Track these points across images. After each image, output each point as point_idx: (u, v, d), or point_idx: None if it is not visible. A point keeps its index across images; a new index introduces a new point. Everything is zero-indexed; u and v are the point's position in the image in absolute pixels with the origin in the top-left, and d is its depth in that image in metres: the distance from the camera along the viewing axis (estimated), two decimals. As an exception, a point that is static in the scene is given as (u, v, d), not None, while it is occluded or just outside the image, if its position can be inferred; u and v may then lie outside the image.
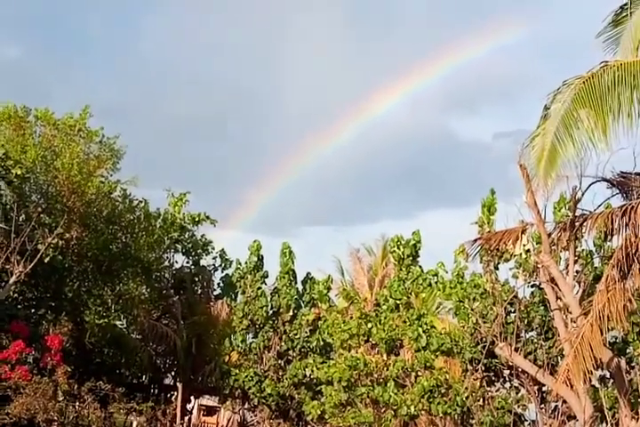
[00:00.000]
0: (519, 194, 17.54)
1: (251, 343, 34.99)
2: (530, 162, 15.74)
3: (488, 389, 28.30)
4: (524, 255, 25.57)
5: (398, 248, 31.41)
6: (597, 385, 24.69)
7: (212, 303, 34.64)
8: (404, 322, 28.86)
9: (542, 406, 27.21)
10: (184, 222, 33.76)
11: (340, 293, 35.57)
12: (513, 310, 26.57)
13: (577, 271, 22.77)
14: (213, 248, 34.76)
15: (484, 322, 27.14)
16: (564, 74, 14.83)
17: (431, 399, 27.16)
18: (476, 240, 19.70)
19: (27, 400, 23.93)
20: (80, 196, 25.71)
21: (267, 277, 35.22)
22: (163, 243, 32.32)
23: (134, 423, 32.68)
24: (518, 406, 27.92)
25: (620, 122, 13.92)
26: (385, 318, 29.34)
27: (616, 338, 25.91)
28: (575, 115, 14.29)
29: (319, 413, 29.01)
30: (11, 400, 24.01)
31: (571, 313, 18.15)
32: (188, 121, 61.40)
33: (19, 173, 24.57)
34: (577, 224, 17.56)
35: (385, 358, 28.93)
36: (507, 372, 27.59)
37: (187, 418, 34.87)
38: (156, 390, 34.89)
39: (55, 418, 25.81)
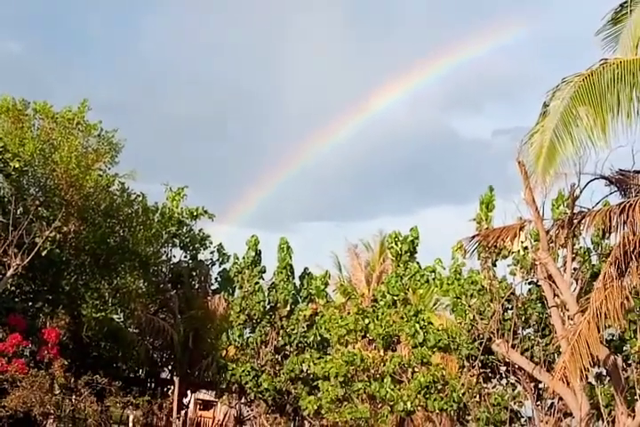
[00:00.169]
0: (518, 191, 17.58)
1: (248, 338, 34.98)
2: (528, 159, 15.77)
3: (484, 385, 28.32)
4: (521, 252, 25.60)
5: (396, 244, 31.39)
6: (594, 382, 24.70)
7: (209, 298, 34.63)
8: (402, 318, 28.91)
9: (538, 402, 27.25)
10: (182, 217, 33.72)
11: (337, 288, 35.65)
12: (510, 306, 26.59)
13: (574, 269, 22.78)
14: (211, 243, 34.76)
15: (482, 319, 27.15)
16: (564, 72, 14.85)
17: (427, 395, 27.22)
18: (473, 237, 19.70)
19: (23, 393, 23.91)
20: (78, 189, 25.67)
21: (264, 272, 35.21)
22: (160, 237, 32.29)
23: (131, 417, 32.72)
24: (514, 403, 27.96)
25: (618, 120, 13.93)
26: (382, 313, 29.38)
27: (613, 336, 25.94)
28: (574, 112, 14.30)
29: (316, 408, 29.08)
30: (7, 393, 23.99)
31: (568, 310, 18.18)
32: (187, 120, 61.46)
33: (17, 166, 24.53)
34: (575, 222, 17.58)
35: (382, 353, 28.98)
36: (503, 368, 27.61)
37: (183, 412, 34.89)
38: (153, 384, 34.90)
39: (51, 411, 25.83)
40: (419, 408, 27.86)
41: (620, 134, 14.14)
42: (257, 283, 34.76)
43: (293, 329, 34.23)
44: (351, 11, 63.89)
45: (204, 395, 39.13)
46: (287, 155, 51.53)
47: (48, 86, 59.86)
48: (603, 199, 18.24)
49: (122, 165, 27.43)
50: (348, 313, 30.60)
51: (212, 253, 35.08)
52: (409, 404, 27.31)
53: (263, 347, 34.63)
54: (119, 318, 32.62)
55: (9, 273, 24.93)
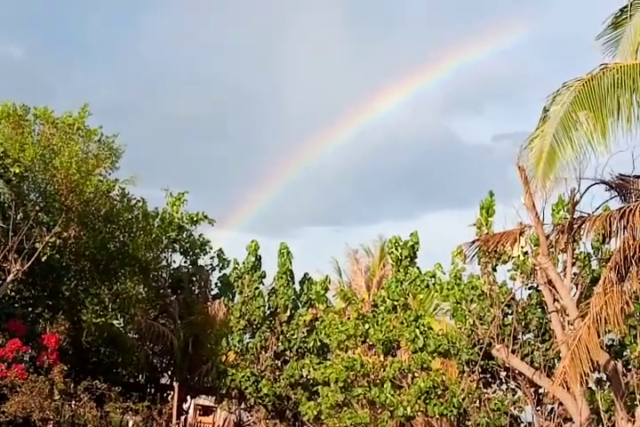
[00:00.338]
0: (518, 196, 17.55)
1: (248, 343, 34.97)
2: (528, 164, 15.75)
3: (484, 390, 28.30)
4: (521, 257, 25.60)
5: (396, 249, 31.40)
6: (594, 388, 24.69)
7: (209, 303, 34.61)
8: (402, 323, 28.88)
9: (539, 408, 27.23)
10: (182, 222, 33.71)
11: (337, 293, 35.61)
12: (510, 311, 26.59)
13: (575, 274, 22.77)
14: (211, 248, 34.73)
15: (482, 324, 27.15)
16: (565, 73, 14.87)
17: (427, 401, 27.17)
18: (473, 242, 19.67)
19: (23, 399, 23.92)
20: (78, 194, 25.68)
21: (264, 277, 35.20)
22: (160, 242, 32.29)
23: (130, 423, 32.70)
24: (515, 408, 27.94)
25: (619, 124, 13.94)
26: (382, 319, 29.35)
27: (613, 341, 25.93)
28: (574, 117, 14.30)
29: (315, 413, 29.03)
30: (7, 399, 24.00)
31: (568, 315, 18.15)
32: (187, 121, 61.44)
33: (17, 171, 24.55)
34: (575, 226, 17.55)
35: (382, 359, 28.94)
36: (503, 374, 27.60)
37: (183, 418, 34.86)
38: (153, 390, 34.86)
39: (51, 417, 25.81)
40: (419, 414, 27.80)
41: (620, 139, 14.15)
42: (257, 288, 34.76)
43: (293, 334, 34.22)
44: (351, 11, 64.10)
45: (204, 400, 39.09)
46: (287, 157, 51.58)
47: (49, 86, 59.93)
48: (603, 204, 18.23)
49: (122, 167, 27.48)
50: (348, 318, 30.58)
51: (212, 258, 35.09)
52: (409, 409, 27.27)
53: (263, 352, 34.62)
54: (119, 324, 32.64)
55: (9, 279, 24.94)
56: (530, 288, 27.05)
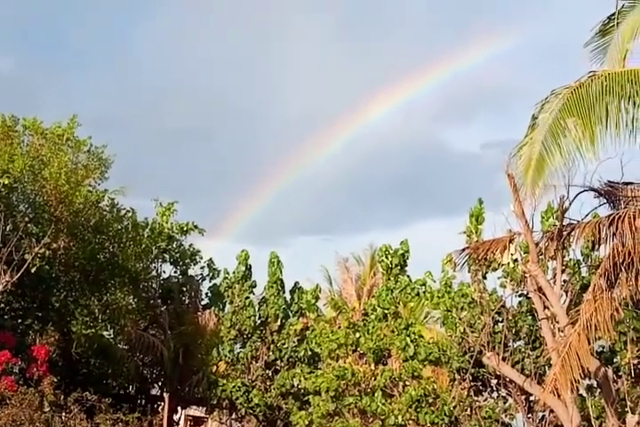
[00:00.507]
0: (507, 203, 17.61)
1: (238, 353, 34.91)
2: (517, 171, 15.83)
3: (475, 398, 28.33)
4: (511, 265, 25.64)
5: (386, 258, 31.44)
6: (585, 395, 24.74)
7: (199, 313, 34.53)
8: (392, 332, 28.91)
9: (530, 415, 27.26)
10: (172, 232, 33.62)
11: (328, 302, 35.63)
12: (501, 319, 26.64)
13: (564, 281, 22.85)
14: (201, 258, 34.62)
15: (472, 331, 27.19)
16: (554, 83, 14.94)
17: (419, 409, 27.20)
18: (463, 249, 19.72)
19: (12, 411, 23.77)
20: (68, 205, 25.60)
21: (255, 286, 35.17)
22: (150, 253, 32.19)
23: (121, 434, 32.54)
24: (506, 416, 27.97)
25: (607, 131, 14.02)
26: (373, 327, 29.37)
27: (603, 347, 25.98)
28: (563, 124, 14.38)
29: (307, 423, 29.00)
30: (-4, 411, 23.89)
31: (558, 322, 18.20)
32: (176, 131, 61.33)
33: (6, 182, 24.47)
34: (564, 234, 17.62)
35: (373, 367, 28.96)
36: (494, 381, 27.63)
37: (174, 429, 34.75)
38: (143, 401, 34.68)
39: (41, 429, 25.68)
40: (410, 422, 27.80)
41: (608, 146, 14.24)
42: (247, 298, 34.72)
43: (284, 344, 34.19)
44: (342, 19, 64.14)
45: (195, 411, 38.95)
46: (277, 167, 51.52)
47: (38, 100, 59.75)
48: (592, 211, 18.29)
49: (112, 178, 27.42)
50: (339, 327, 30.59)
51: (202, 268, 34.98)
52: (400, 418, 27.28)
53: (254, 362, 34.57)
54: (109, 335, 32.48)
55: (-2, 290, 24.87)
56: (520, 296, 27.11)
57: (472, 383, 27.79)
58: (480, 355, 21.94)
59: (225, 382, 33.38)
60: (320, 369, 31.38)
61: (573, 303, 20.62)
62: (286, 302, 35.17)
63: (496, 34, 49.53)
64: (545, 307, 18.36)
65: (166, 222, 33.77)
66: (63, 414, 26.79)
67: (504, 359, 21.23)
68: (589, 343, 15.24)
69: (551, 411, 22.72)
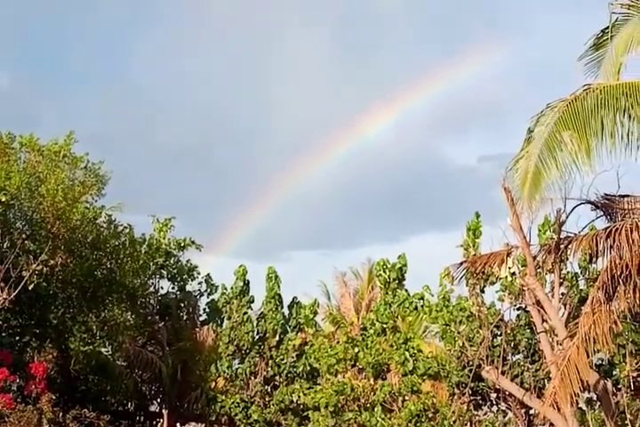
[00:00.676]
0: (504, 217, 17.61)
1: (237, 369, 34.81)
2: (514, 185, 15.84)
3: (475, 412, 28.27)
4: (509, 278, 25.65)
5: (384, 272, 31.44)
6: (584, 408, 24.69)
7: (197, 329, 34.48)
8: (391, 346, 28.88)
9: (530, 429, 27.19)
10: (169, 248, 33.62)
11: (326, 317, 35.54)
12: (499, 333, 26.60)
13: (562, 294, 22.83)
14: (199, 273, 34.61)
15: (471, 345, 27.16)
16: (550, 97, 14.98)
17: (418, 424, 27.14)
18: (461, 263, 19.72)
19: (11, 429, 23.73)
20: (65, 222, 25.59)
21: (253, 302, 35.11)
22: (148, 269, 32.14)
23: (120, 451, 32.42)
24: (506, 430, 27.90)
25: (603, 144, 14.06)
26: (371, 342, 29.34)
27: (602, 360, 25.97)
28: (559, 137, 14.41)
29: (306, 438, 28.92)
30: (-5, 429, 23.82)
31: (557, 336, 18.18)
32: (174, 148, 61.42)
33: (3, 199, 24.46)
34: (562, 247, 17.62)
35: (372, 382, 28.92)
36: (494, 395, 27.57)
37: (173, 445, 34.62)
38: (142, 418, 34.61)
39: (40, 446, 25.58)
40: (410, 437, 27.73)
41: (604, 159, 14.27)
42: (245, 313, 34.65)
43: (283, 359, 34.11)
44: (337, 32, 64.29)
45: (194, 427, 38.85)
46: (274, 182, 51.57)
47: (35, 116, 59.81)
48: (589, 224, 18.31)
49: (108, 196, 27.43)
50: (338, 342, 30.56)
51: (199, 283, 34.96)
52: (400, 433, 27.21)
53: (252, 378, 34.46)
54: (107, 351, 32.42)
55: (-5, 307, 24.82)
56: (518, 309, 27.11)
57: (471, 397, 27.73)
58: (479, 369, 21.91)
59: (224, 398, 33.28)
60: (319, 384, 31.31)
61: (572, 316, 20.55)
62: (284, 318, 35.12)
63: (489, 50, 49.75)
64: (543, 320, 18.35)
65: (164, 238, 33.78)
66: (62, 431, 26.70)
67: (503, 373, 21.18)
68: (588, 356, 15.21)
69: (551, 424, 22.63)
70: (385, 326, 29.65)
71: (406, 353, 28.27)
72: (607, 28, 15.53)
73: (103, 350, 31.87)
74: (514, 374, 26.10)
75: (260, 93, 64.15)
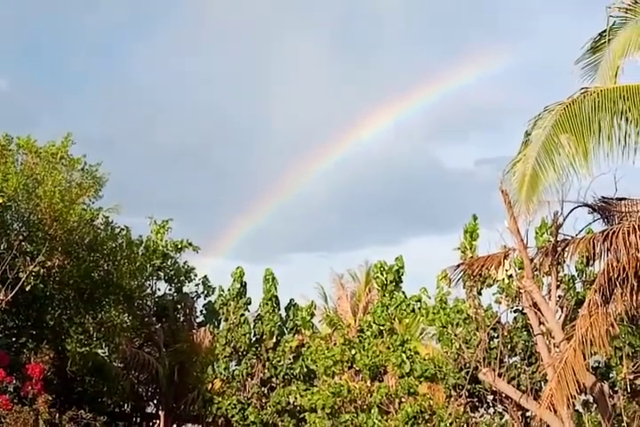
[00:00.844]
0: (501, 219, 17.65)
1: (234, 371, 34.79)
2: (511, 188, 15.87)
3: (472, 414, 28.26)
4: (506, 280, 25.55)
5: (381, 274, 31.42)
6: (581, 410, 24.74)
7: (194, 331, 34.49)
8: (388, 348, 28.87)
9: (526, 431, 27.19)
10: (166, 250, 33.67)
11: (323, 319, 35.52)
12: (496, 335, 26.62)
13: (559, 296, 22.81)
14: (196, 275, 34.67)
15: (468, 347, 27.16)
16: (547, 101, 15.01)
17: (415, 426, 27.11)
18: (458, 266, 19.76)
19: (7, 430, 23.73)
20: (62, 223, 25.61)
21: (250, 303, 35.10)
22: (145, 270, 32.19)
23: (116, 453, 32.42)
24: (502, 432, 27.90)
25: (600, 147, 14.09)
26: (368, 344, 29.34)
27: (599, 363, 26.00)
28: (556, 140, 14.44)
29: (303, 440, 28.92)
30: (-9, 430, 23.80)
31: (554, 338, 18.21)
32: (173, 149, 61.40)
33: (0, 201, 24.49)
34: (559, 249, 17.67)
35: (369, 384, 28.90)
36: (490, 397, 27.57)
37: (169, 447, 34.60)
38: (138, 419, 34.63)
39: (36, 448, 25.57)
40: (406, 439, 27.73)
41: (601, 162, 14.30)
42: (242, 315, 34.64)
43: (279, 361, 34.10)
44: (337, 35, 64.22)
45: (190, 429, 38.82)
46: (273, 184, 51.59)
47: (33, 119, 59.84)
48: (586, 227, 18.37)
49: (106, 197, 27.47)
50: (335, 344, 30.55)
51: (197, 285, 35.00)
52: (397, 435, 27.20)
53: (249, 379, 34.44)
54: (104, 353, 32.42)
55: (-8, 309, 24.81)
56: (515, 311, 27.12)
57: (468, 400, 27.74)
58: (476, 371, 21.94)
59: (220, 399, 33.28)
60: (316, 386, 31.30)
61: (569, 319, 20.56)
62: (281, 319, 35.11)
63: (488, 52, 49.77)
64: (540, 322, 18.38)
65: (161, 240, 33.82)
66: (58, 432, 26.69)
67: (500, 375, 21.20)
68: (585, 359, 15.24)
69: (548, 426, 22.73)
70: (382, 328, 29.65)
71: (403, 355, 28.26)
72: (604, 31, 15.58)
73: (100, 351, 31.87)
74: (510, 377, 26.10)
75: (260, 93, 64.17)
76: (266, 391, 34.34)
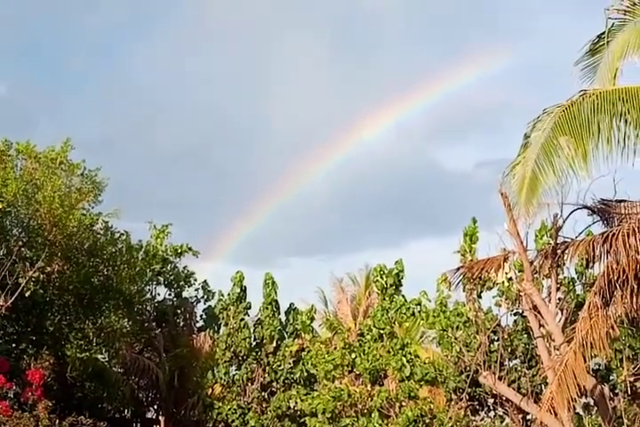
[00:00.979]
0: (501, 222, 17.63)
1: (234, 376, 34.77)
2: (511, 190, 15.86)
3: (472, 418, 28.24)
4: (506, 283, 25.60)
5: (381, 278, 31.42)
6: (581, 413, 24.72)
7: (194, 336, 34.46)
8: (388, 352, 28.85)
9: (527, 434, 27.17)
10: (166, 254, 33.67)
11: (323, 323, 35.51)
12: (496, 338, 26.61)
13: (559, 299, 22.80)
14: (196, 280, 34.66)
15: (468, 351, 27.15)
16: (547, 103, 15.01)
17: (416, 429, 27.08)
18: (458, 269, 19.73)
19: (8, 436, 23.70)
20: (61, 229, 25.61)
21: (250, 308, 35.09)
22: (145, 275, 32.19)
23: (117, 458, 32.35)
24: (503, 435, 27.88)
25: (600, 149, 14.09)
26: (369, 347, 29.32)
27: (599, 365, 25.98)
28: (555, 142, 14.44)
29: (304, 445, 28.87)
30: (-9, 436, 23.77)
31: (554, 341, 18.19)
32: (173, 151, 61.38)
33: (0, 206, 24.49)
34: (559, 252, 17.64)
35: (369, 388, 28.87)
36: (491, 400, 27.56)
37: (170, 452, 34.55)
38: (139, 425, 34.58)
39: (37, 454, 25.53)
40: (407, 443, 27.69)
41: (601, 164, 14.29)
42: (242, 319, 34.63)
43: (280, 365, 34.08)
44: (337, 35, 64.21)
45: (191, 434, 38.76)
46: (272, 187, 51.51)
47: (33, 123, 59.81)
48: (586, 229, 18.35)
49: (105, 202, 27.48)
50: (335, 348, 30.52)
51: (196, 290, 35.00)
52: (397, 438, 27.17)
53: (249, 384, 34.42)
54: (104, 358, 32.40)
55: (-8, 314, 24.80)
56: (515, 314, 27.11)
57: (469, 403, 27.72)
58: (476, 374, 21.92)
59: (221, 404, 33.25)
60: (316, 390, 31.26)
61: (569, 321, 20.55)
62: (281, 324, 35.10)
63: (488, 54, 49.75)
64: (540, 325, 18.36)
65: (160, 245, 33.83)
66: (58, 438, 26.65)
67: (500, 378, 21.20)
68: (585, 361, 15.22)
69: (548, 430, 22.69)
70: (382, 331, 29.64)
71: (403, 359, 28.24)
72: (603, 33, 15.59)
73: (100, 356, 31.85)
74: (511, 380, 26.09)
75: (260, 93, 64.12)
76: (266, 396, 34.32)
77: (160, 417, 33.59)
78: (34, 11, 61.94)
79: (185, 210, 56.52)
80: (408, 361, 28.25)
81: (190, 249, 34.12)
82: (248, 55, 63.84)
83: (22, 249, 25.91)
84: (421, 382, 28.28)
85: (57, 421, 25.80)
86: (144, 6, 66.36)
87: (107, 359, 32.49)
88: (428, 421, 27.39)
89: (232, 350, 34.31)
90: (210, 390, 34.49)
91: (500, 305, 27.29)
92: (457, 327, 28.08)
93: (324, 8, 63.02)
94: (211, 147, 64.19)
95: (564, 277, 25.51)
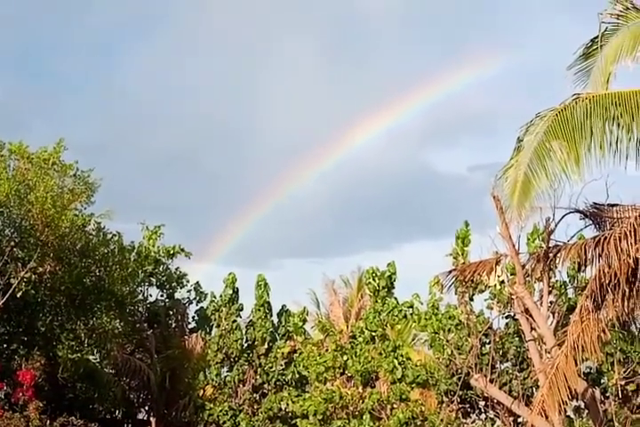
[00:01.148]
0: (493, 225, 17.65)
1: (225, 377, 34.75)
2: (503, 194, 15.87)
3: (464, 420, 28.28)
4: (498, 286, 25.70)
5: (374, 280, 31.45)
6: (572, 416, 24.77)
7: (186, 337, 34.42)
8: (380, 354, 28.88)
9: (518, 437, 27.20)
10: (158, 255, 33.63)
11: (315, 325, 35.51)
12: (488, 341, 26.64)
13: (551, 302, 22.80)
14: (188, 281, 34.62)
15: (460, 353, 27.17)
16: (543, 104, 15.02)
17: (407, 432, 27.10)
18: (450, 272, 19.74)
19: (-2, 436, 23.67)
20: (54, 229, 25.58)
21: (242, 309, 35.07)
22: (137, 276, 32.14)
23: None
24: (494, 438, 27.91)
25: (592, 153, 14.11)
26: (360, 350, 29.35)
27: (590, 368, 26.02)
28: (548, 146, 14.45)
29: (295, 446, 28.87)
30: (-18, 437, 23.72)
31: (545, 344, 18.20)
32: (164, 154, 61.37)
33: (-9, 206, 24.49)
34: (551, 255, 17.66)
35: (360, 390, 28.90)
36: (482, 403, 27.59)
37: (160, 453, 34.51)
38: (130, 426, 34.53)
39: (27, 454, 25.49)
40: (399, 445, 27.70)
41: (593, 168, 14.32)
42: (234, 321, 34.60)
43: (271, 367, 34.06)
44: (327, 39, 64.29)
45: (182, 436, 38.72)
46: (264, 189, 51.51)
47: (25, 126, 59.76)
48: (578, 233, 18.38)
49: (98, 203, 27.45)
50: (327, 350, 30.54)
51: (188, 291, 34.95)
52: (389, 441, 27.19)
53: (241, 386, 34.40)
54: (95, 359, 32.36)
55: (-17, 315, 24.76)
56: (507, 317, 27.15)
57: (460, 405, 27.75)
58: (468, 377, 21.92)
59: (212, 406, 33.22)
60: (308, 392, 31.27)
61: (560, 325, 20.56)
62: (273, 326, 35.09)
63: (482, 58, 49.83)
64: (532, 328, 18.37)
65: (153, 246, 33.78)
66: (49, 439, 26.61)
67: (492, 381, 21.19)
68: (576, 365, 15.22)
69: (539, 433, 22.70)
70: (374, 334, 29.66)
71: (395, 361, 28.27)
72: (596, 37, 15.61)
73: (91, 357, 31.81)
74: (502, 382, 26.13)
75: (251, 103, 64.15)
76: (257, 398, 34.30)
77: (151, 418, 33.54)
78: (32, 10, 62.04)
79: (178, 213, 56.52)
80: (400, 363, 28.28)
81: (183, 250, 34.08)
82: (247, 55, 63.94)
83: (14, 249, 25.88)
84: (413, 385, 28.32)
85: (48, 421, 25.80)
86: (142, 7, 66.29)
87: (98, 360, 32.45)
88: (419, 423, 27.43)
89: (224, 351, 34.29)
90: (201, 392, 34.45)
91: (491, 308, 27.36)
92: (449, 330, 28.12)
93: (323, 8, 63.09)
94: (203, 150, 64.21)
95: (556, 281, 25.56)
